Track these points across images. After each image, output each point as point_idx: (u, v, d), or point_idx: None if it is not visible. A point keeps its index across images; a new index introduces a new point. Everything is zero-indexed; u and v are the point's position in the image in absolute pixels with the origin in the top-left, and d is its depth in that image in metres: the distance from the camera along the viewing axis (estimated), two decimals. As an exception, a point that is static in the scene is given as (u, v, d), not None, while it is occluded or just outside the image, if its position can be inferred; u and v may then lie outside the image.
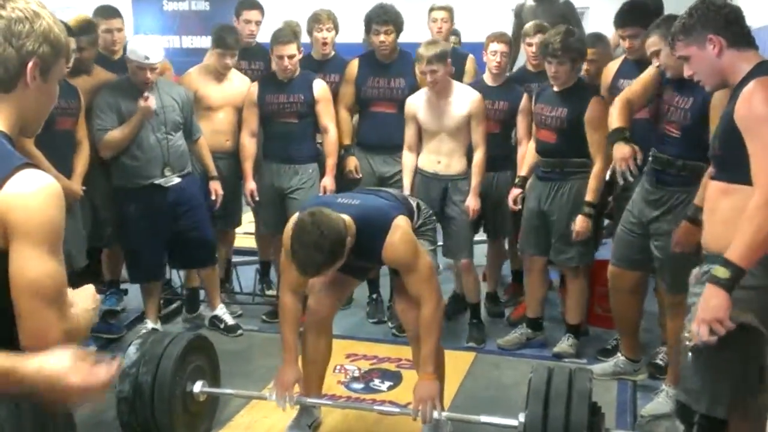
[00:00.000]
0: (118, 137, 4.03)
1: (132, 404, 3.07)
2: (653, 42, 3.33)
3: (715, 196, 2.28)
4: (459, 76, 4.52)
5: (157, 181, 4.09)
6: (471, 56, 4.82)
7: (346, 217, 2.84)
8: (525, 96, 4.28)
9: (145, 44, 4.01)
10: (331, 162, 4.46)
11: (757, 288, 2.20)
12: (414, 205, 3.30)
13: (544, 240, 4.05)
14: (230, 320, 4.48)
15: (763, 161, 2.07)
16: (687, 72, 2.33)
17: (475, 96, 4.18)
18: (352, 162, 4.50)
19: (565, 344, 4.11)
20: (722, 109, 3.04)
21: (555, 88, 3.90)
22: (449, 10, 4.93)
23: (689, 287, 2.45)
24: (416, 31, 4.97)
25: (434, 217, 3.48)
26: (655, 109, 3.47)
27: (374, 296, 4.68)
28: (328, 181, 4.44)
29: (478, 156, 4.16)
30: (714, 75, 2.28)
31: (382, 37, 4.37)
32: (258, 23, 4.80)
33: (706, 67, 2.27)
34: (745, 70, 2.19)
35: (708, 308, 2.09)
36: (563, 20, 5.33)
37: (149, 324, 4.30)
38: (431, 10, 4.94)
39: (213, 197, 4.39)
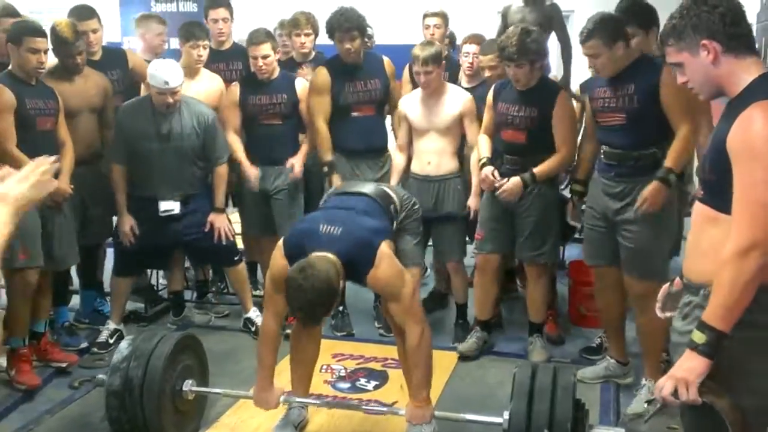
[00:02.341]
0: (118, 191, 4.16)
1: (122, 398, 3.09)
2: (591, 45, 3.41)
3: (701, 222, 2.02)
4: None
5: (160, 210, 4.13)
6: None
7: (332, 257, 2.83)
8: (471, 99, 4.20)
9: (164, 69, 4.02)
10: (304, 148, 4.46)
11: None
12: (395, 198, 3.33)
13: (506, 238, 4.02)
14: None
15: (744, 202, 1.83)
16: (681, 79, 2.05)
17: (466, 96, 4.23)
18: (338, 180, 4.24)
19: (537, 349, 4.06)
20: (675, 87, 2.95)
21: (518, 88, 3.88)
22: (443, 15, 4.94)
23: (658, 311, 2.31)
24: (404, 34, 5.01)
25: (417, 207, 3.49)
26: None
27: (340, 308, 4.52)
28: (297, 162, 4.40)
29: (474, 157, 4.15)
30: (709, 84, 1.99)
31: (347, 45, 4.23)
32: (226, 20, 4.81)
33: (701, 75, 1.97)
34: (745, 81, 1.92)
35: (681, 367, 1.93)
36: (548, 22, 5.38)
37: (111, 325, 4.30)
38: (425, 16, 4.96)
39: (207, 229, 4.22)
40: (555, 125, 3.86)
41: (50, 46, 3.87)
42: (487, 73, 4.34)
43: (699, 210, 2.04)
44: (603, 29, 3.39)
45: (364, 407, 3.37)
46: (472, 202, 4.18)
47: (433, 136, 4.22)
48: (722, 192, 1.90)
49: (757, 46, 3.59)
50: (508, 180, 3.84)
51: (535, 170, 3.84)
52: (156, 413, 3.08)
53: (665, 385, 1.94)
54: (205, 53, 4.47)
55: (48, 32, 3.88)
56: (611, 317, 3.81)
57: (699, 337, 1.89)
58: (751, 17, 3.66)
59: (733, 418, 1.91)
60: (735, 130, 1.86)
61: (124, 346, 3.21)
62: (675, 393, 1.93)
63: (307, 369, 3.35)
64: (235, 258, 4.43)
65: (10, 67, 3.75)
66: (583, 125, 3.99)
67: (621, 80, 3.44)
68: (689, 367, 1.91)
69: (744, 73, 1.93)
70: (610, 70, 3.45)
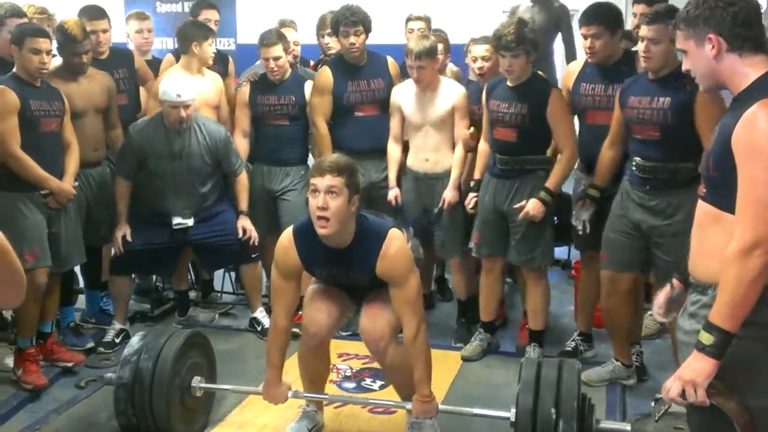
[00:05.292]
0: (120, 202, 4.18)
1: (131, 393, 3.12)
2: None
3: (705, 222, 2.00)
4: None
5: (173, 223, 4.15)
6: None
7: None
8: (464, 94, 4.18)
9: (176, 83, 4.06)
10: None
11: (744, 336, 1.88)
12: None
13: (503, 240, 3.97)
14: (268, 323, 4.45)
15: (748, 200, 1.83)
16: (685, 65, 2.06)
17: (460, 90, 4.20)
18: None
19: (532, 356, 3.96)
20: (712, 111, 2.97)
21: (509, 84, 3.81)
22: (426, 20, 4.92)
23: (659, 316, 2.32)
24: (392, 34, 5.02)
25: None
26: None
27: None
28: None
29: (459, 150, 4.16)
30: (709, 77, 2.01)
31: (352, 39, 4.25)
32: (216, 22, 4.91)
33: (702, 66, 1.99)
34: (750, 77, 1.92)
35: (689, 368, 1.90)
36: (556, 24, 5.37)
37: (117, 325, 4.30)
38: (408, 20, 4.94)
39: (240, 235, 4.23)
40: (553, 124, 3.79)
41: (54, 47, 3.87)
42: (479, 64, 4.29)
43: (702, 208, 2.03)
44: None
45: (372, 401, 3.39)
46: (449, 194, 4.14)
47: (428, 131, 4.19)
48: (725, 189, 1.89)
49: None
50: (527, 202, 3.78)
51: (548, 185, 3.78)
52: (165, 409, 3.11)
53: (673, 386, 1.93)
54: (211, 50, 4.48)
55: (53, 32, 3.88)
56: (618, 323, 3.75)
57: (706, 338, 1.87)
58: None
59: (742, 420, 1.89)
60: (739, 129, 1.86)
61: (134, 341, 3.27)
62: (683, 394, 1.91)
63: (318, 388, 3.34)
64: (253, 255, 4.41)
65: (14, 70, 3.76)
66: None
67: (657, 91, 3.33)
68: (697, 368, 1.89)
69: (748, 68, 1.93)
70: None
